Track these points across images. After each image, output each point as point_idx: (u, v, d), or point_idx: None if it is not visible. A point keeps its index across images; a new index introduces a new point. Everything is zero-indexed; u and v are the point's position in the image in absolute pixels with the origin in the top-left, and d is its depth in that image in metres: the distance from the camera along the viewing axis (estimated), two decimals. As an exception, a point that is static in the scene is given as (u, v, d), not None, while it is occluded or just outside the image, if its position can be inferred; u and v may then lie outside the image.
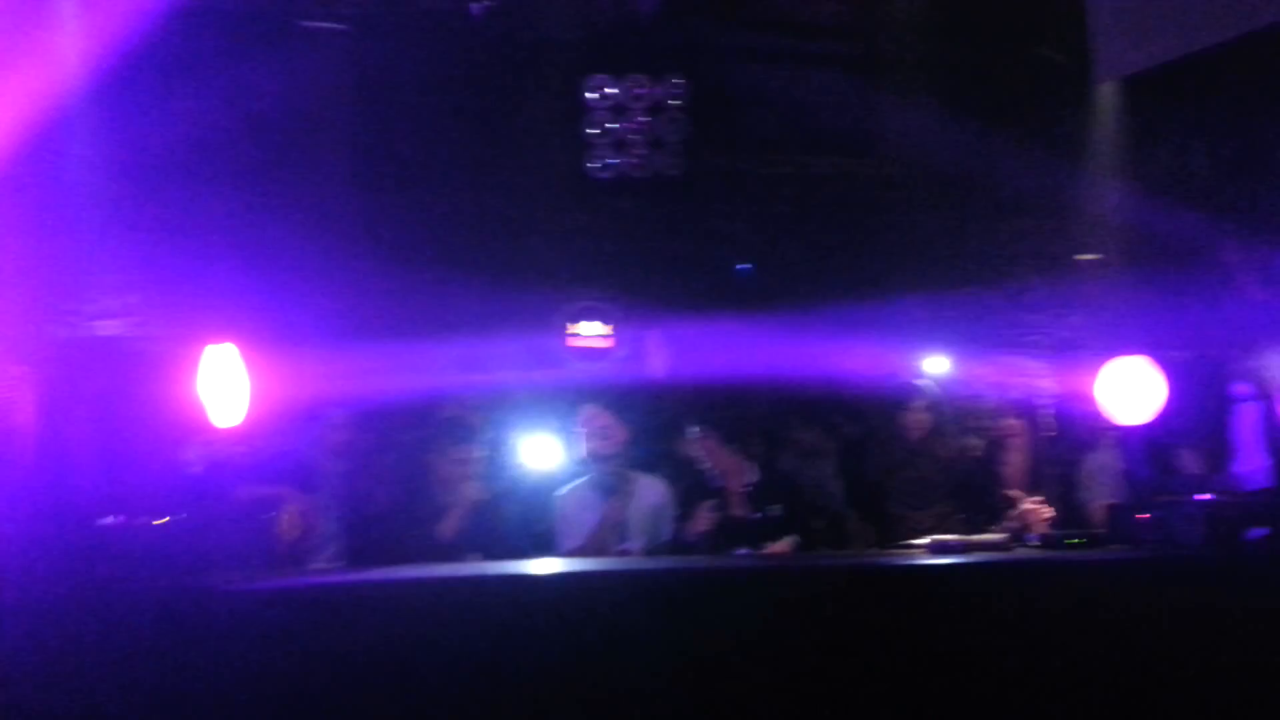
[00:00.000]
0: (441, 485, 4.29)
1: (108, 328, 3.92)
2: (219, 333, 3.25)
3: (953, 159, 6.93)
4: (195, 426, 3.17)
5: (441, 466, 4.31)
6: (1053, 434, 4.83)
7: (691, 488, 4.63)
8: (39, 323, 3.34)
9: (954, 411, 5.06)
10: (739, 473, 4.51)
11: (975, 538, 3.64)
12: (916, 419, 4.88)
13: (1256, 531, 3.17)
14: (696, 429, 4.56)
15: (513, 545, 4.30)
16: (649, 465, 4.72)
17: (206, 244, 5.10)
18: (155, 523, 3.00)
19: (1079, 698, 2.91)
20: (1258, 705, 2.90)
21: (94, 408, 2.88)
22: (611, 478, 4.38)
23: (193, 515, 3.27)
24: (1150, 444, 3.53)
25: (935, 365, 6.40)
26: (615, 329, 7.20)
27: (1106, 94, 7.18)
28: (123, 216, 4.54)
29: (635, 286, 6.95)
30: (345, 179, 6.31)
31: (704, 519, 4.30)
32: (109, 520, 2.87)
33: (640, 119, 7.32)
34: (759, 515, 4.34)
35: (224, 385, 3.16)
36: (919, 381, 5.32)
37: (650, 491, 4.50)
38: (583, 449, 4.46)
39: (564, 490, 4.50)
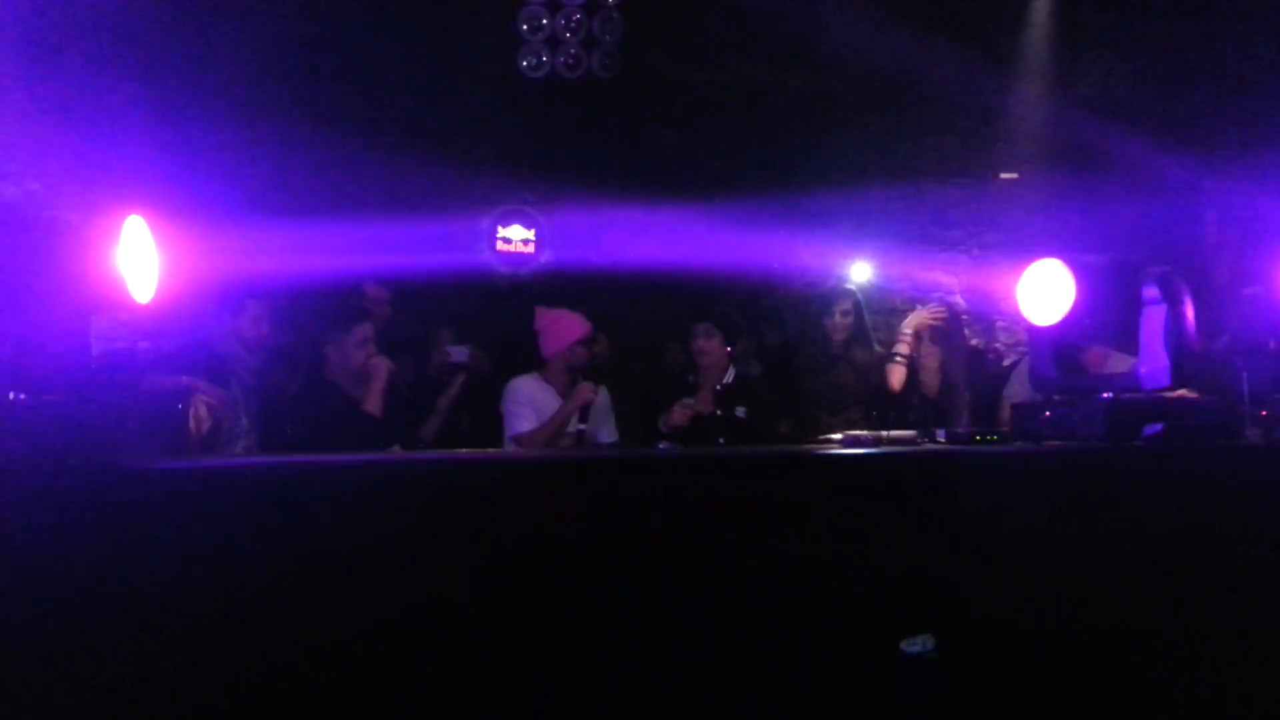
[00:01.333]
0: (347, 370, 4.25)
1: (15, 194, 3.76)
2: (131, 205, 3.14)
3: (888, 69, 6.94)
4: (105, 302, 3.07)
5: (344, 351, 4.25)
6: (972, 340, 4.96)
7: (661, 382, 4.72)
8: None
9: (874, 317, 5.16)
10: (721, 373, 4.57)
11: (885, 433, 3.74)
12: (839, 324, 4.97)
13: (1153, 427, 3.30)
14: (705, 325, 4.61)
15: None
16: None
17: (121, 114, 4.89)
18: (63, 403, 2.92)
19: (991, 583, 3.03)
20: (1150, 591, 3.06)
21: (1, 279, 2.76)
22: (584, 365, 4.52)
23: (101, 398, 3.19)
24: (1058, 345, 3.65)
25: (858, 271, 6.50)
26: (538, 234, 7.15)
27: (1040, 7, 7.25)
28: (34, 82, 4.33)
29: (563, 191, 6.88)
30: (266, 67, 6.09)
31: (680, 413, 4.38)
32: (13, 396, 2.78)
33: (575, 17, 7.17)
34: (722, 414, 4.43)
35: (136, 259, 3.05)
36: (843, 286, 5.40)
37: (594, 393, 4.58)
38: (560, 341, 4.48)
39: (515, 380, 4.56)
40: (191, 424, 3.74)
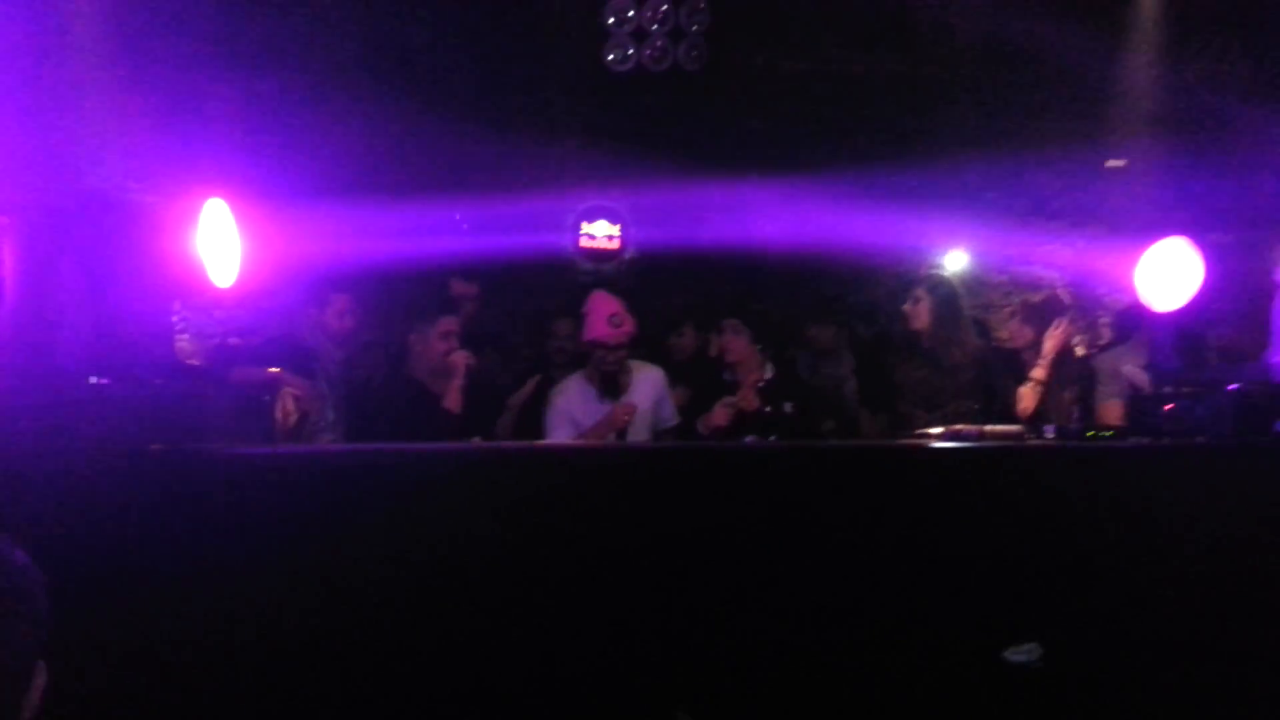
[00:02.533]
0: (428, 364, 4.17)
1: (99, 179, 3.80)
2: (212, 189, 3.13)
3: (984, 49, 6.66)
4: (189, 286, 3.07)
5: (425, 344, 4.17)
6: (1080, 329, 4.68)
7: (706, 381, 4.55)
8: (26, 175, 3.21)
9: (968, 305, 4.89)
10: (756, 368, 4.41)
11: (989, 428, 3.53)
12: (916, 310, 4.71)
13: (1287, 421, 3.04)
14: (730, 320, 4.41)
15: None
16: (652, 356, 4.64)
17: (205, 102, 4.94)
18: (146, 388, 2.91)
19: (1104, 587, 2.83)
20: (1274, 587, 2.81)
21: (83, 263, 2.77)
22: (613, 368, 4.29)
23: (185, 386, 3.19)
24: (1181, 332, 3.38)
25: (951, 259, 6.23)
26: (623, 229, 7.05)
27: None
28: (116, 69, 4.38)
29: (650, 185, 6.76)
30: (351, 57, 6.11)
31: (721, 414, 4.23)
32: (97, 380, 2.78)
33: (661, 8, 7.06)
34: (769, 410, 4.25)
35: (219, 243, 3.04)
36: (925, 273, 5.15)
37: (648, 382, 4.42)
38: (586, 334, 4.35)
39: (561, 384, 4.41)
40: (278, 415, 3.74)
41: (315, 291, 4.35)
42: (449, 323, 4.18)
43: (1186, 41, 6.57)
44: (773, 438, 4.01)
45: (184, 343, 3.64)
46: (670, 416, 4.50)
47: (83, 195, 3.13)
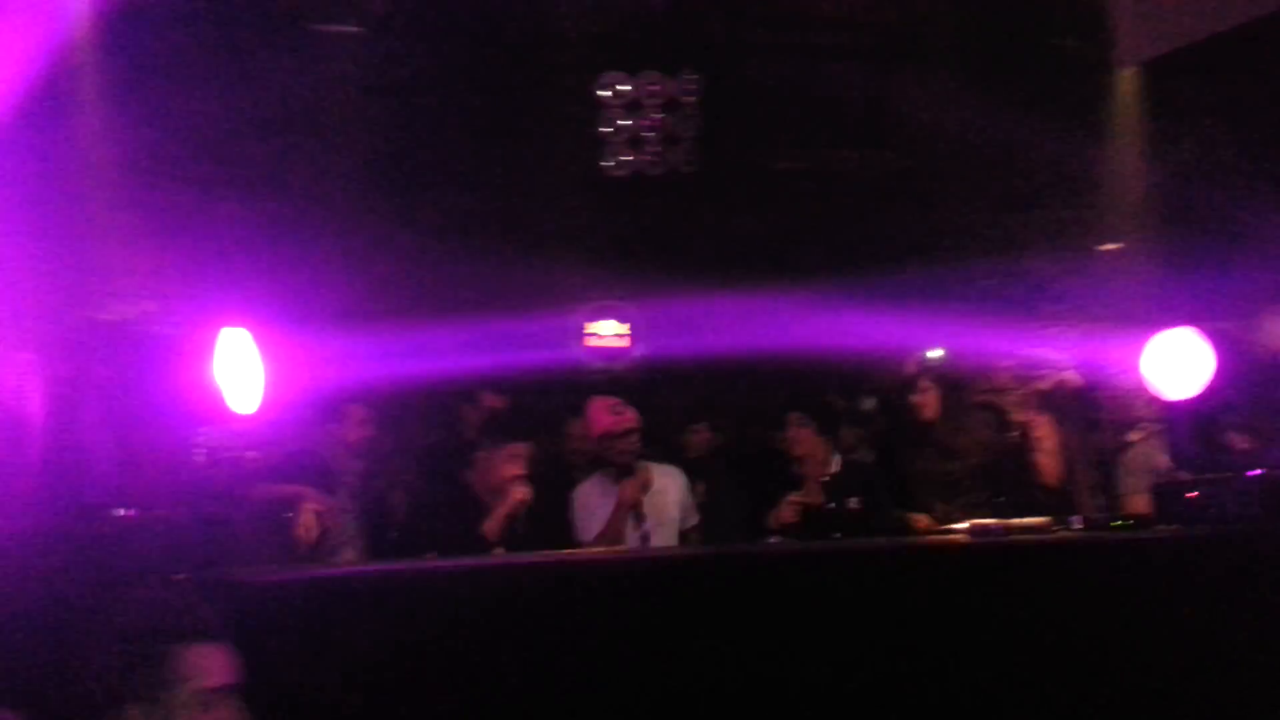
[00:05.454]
0: (487, 483, 4.09)
1: (119, 312, 3.84)
2: (233, 318, 3.17)
3: (973, 149, 6.82)
4: (210, 414, 3.08)
5: (491, 463, 4.11)
6: (1088, 417, 4.69)
7: (770, 476, 4.51)
8: (47, 308, 3.26)
9: (975, 394, 4.90)
10: (821, 462, 4.40)
11: (1015, 522, 3.51)
12: (924, 400, 4.72)
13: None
14: (795, 415, 4.41)
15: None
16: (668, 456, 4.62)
17: (220, 231, 5.03)
18: (166, 516, 2.91)
19: (1139, 676, 2.78)
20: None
21: (105, 395, 2.79)
22: (628, 455, 4.27)
23: (208, 511, 3.18)
24: (1197, 420, 3.40)
25: (952, 352, 6.25)
26: (631, 328, 7.12)
27: (1127, 79, 7.09)
28: (135, 201, 4.48)
29: (652, 285, 6.85)
30: (358, 175, 6.25)
31: (790, 509, 4.16)
32: (122, 512, 2.78)
33: (655, 115, 7.26)
34: (834, 506, 4.21)
35: (239, 371, 3.07)
36: (931, 364, 5.17)
37: (667, 480, 4.40)
38: (594, 433, 4.33)
39: (579, 487, 4.39)
40: (300, 531, 3.72)
41: (332, 406, 4.36)
42: (519, 449, 4.10)
43: (1170, 132, 6.74)
44: (837, 535, 3.94)
45: (200, 459, 3.64)
46: (691, 516, 4.45)
47: (102, 327, 3.17)
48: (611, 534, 4.18)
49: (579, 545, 4.20)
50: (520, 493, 4.01)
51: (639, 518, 4.24)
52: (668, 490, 4.37)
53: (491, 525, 3.99)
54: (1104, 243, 6.96)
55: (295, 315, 4.34)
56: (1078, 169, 6.83)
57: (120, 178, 4.45)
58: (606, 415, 4.28)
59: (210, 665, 1.84)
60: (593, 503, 4.28)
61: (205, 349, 3.00)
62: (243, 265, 4.63)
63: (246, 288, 4.39)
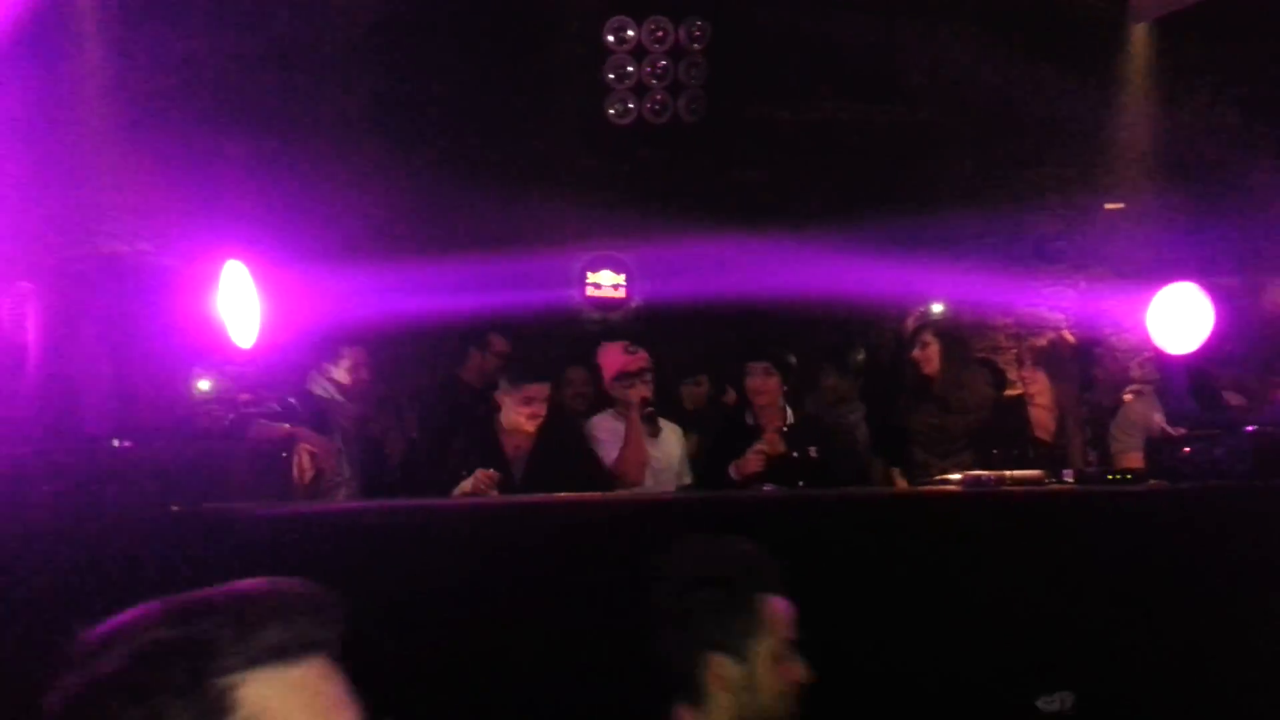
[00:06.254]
0: (507, 424, 4.06)
1: (117, 244, 3.82)
2: (232, 251, 3.15)
3: (980, 103, 6.76)
4: (210, 349, 3.08)
5: (508, 405, 4.07)
6: (1084, 374, 4.70)
7: (725, 426, 4.51)
8: (46, 239, 3.24)
9: (975, 349, 4.90)
10: (780, 414, 4.39)
11: (1009, 473, 3.53)
12: (926, 355, 4.71)
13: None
14: (760, 364, 4.39)
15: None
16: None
17: (220, 164, 4.99)
18: (167, 450, 2.91)
19: (1131, 631, 2.81)
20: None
21: (104, 326, 2.78)
22: (646, 392, 4.30)
23: (204, 447, 3.19)
24: (1193, 376, 3.41)
25: (953, 306, 6.24)
26: (629, 278, 7.09)
27: (1139, 35, 7.00)
28: (134, 134, 4.43)
29: (652, 234, 6.81)
30: (360, 112, 6.19)
31: (754, 460, 4.16)
32: (118, 443, 2.78)
33: (660, 62, 7.16)
34: (796, 456, 4.22)
35: (238, 305, 3.06)
36: (932, 318, 5.16)
37: (675, 436, 4.43)
38: (608, 375, 4.34)
39: (592, 421, 4.42)
40: (295, 472, 3.73)
41: (327, 347, 4.35)
42: (538, 389, 4.05)
43: (1179, 90, 6.68)
44: (800, 484, 3.97)
45: (199, 394, 3.65)
46: (685, 474, 4.47)
47: (102, 259, 3.15)
48: (633, 450, 4.18)
49: (599, 471, 4.18)
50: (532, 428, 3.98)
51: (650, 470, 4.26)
52: (669, 442, 4.39)
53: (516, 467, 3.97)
54: (1109, 199, 6.92)
55: (295, 251, 4.32)
56: (1085, 125, 6.77)
57: (119, 111, 4.40)
58: (620, 355, 4.30)
59: (787, 617, 1.87)
60: (606, 436, 4.32)
61: (206, 283, 2.99)
62: (244, 200, 4.60)
63: (247, 222, 4.37)
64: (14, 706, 2.38)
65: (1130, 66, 6.98)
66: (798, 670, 1.86)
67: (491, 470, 3.72)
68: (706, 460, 4.45)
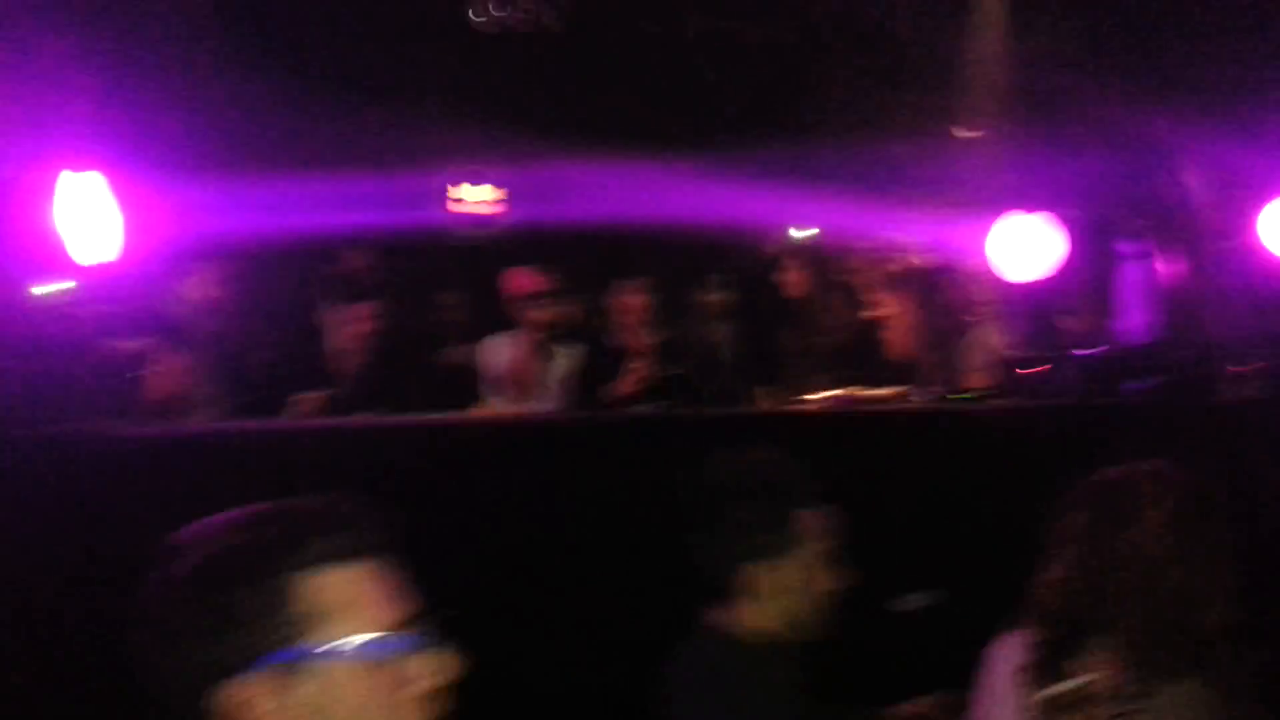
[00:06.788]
0: (334, 344, 4.03)
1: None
2: (73, 162, 2.95)
3: (845, 20, 6.85)
4: (51, 263, 2.90)
5: (337, 325, 4.03)
6: (936, 298, 4.93)
7: (592, 349, 4.53)
8: None
9: (834, 273, 5.08)
10: (648, 333, 4.43)
11: (867, 392, 3.71)
12: (791, 279, 4.87)
13: (1132, 383, 3.30)
14: (631, 282, 4.42)
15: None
16: None
17: (59, 70, 4.61)
18: (12, 370, 2.77)
19: (970, 539, 3.01)
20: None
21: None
22: (538, 326, 4.29)
23: (55, 365, 3.03)
24: (1033, 302, 3.63)
25: (813, 229, 6.42)
26: (497, 195, 6.98)
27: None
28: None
29: (519, 150, 6.70)
30: (218, 19, 5.81)
31: (632, 380, 4.19)
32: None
33: (527, -34, 6.97)
34: (666, 375, 4.29)
35: (87, 217, 2.88)
36: (798, 242, 5.31)
37: (564, 362, 4.39)
38: (514, 294, 4.29)
39: (486, 343, 4.38)
40: (150, 389, 3.60)
41: (176, 263, 4.16)
42: (364, 309, 4.01)
43: (1030, 21, 6.91)
44: (670, 403, 4.04)
45: (43, 310, 3.43)
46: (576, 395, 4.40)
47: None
48: (520, 369, 4.18)
49: (483, 391, 4.18)
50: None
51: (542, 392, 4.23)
52: (562, 366, 4.37)
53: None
54: (963, 128, 7.16)
55: (146, 164, 4.07)
56: (944, 52, 6.95)
57: None
58: (525, 277, 4.30)
59: (821, 528, 1.87)
60: (500, 355, 4.29)
61: (43, 194, 2.80)
62: (84, 110, 4.27)
63: (92, 133, 4.07)
64: None
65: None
66: (834, 578, 1.89)
67: (320, 393, 3.76)
68: (577, 382, 4.48)
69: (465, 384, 4.28)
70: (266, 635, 1.03)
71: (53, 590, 2.60)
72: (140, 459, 2.92)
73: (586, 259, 6.03)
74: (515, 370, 4.15)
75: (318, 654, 1.04)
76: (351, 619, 1.06)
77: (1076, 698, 1.79)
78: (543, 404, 4.20)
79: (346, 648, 1.05)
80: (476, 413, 4.08)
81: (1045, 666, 1.79)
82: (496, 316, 4.48)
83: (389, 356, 4.22)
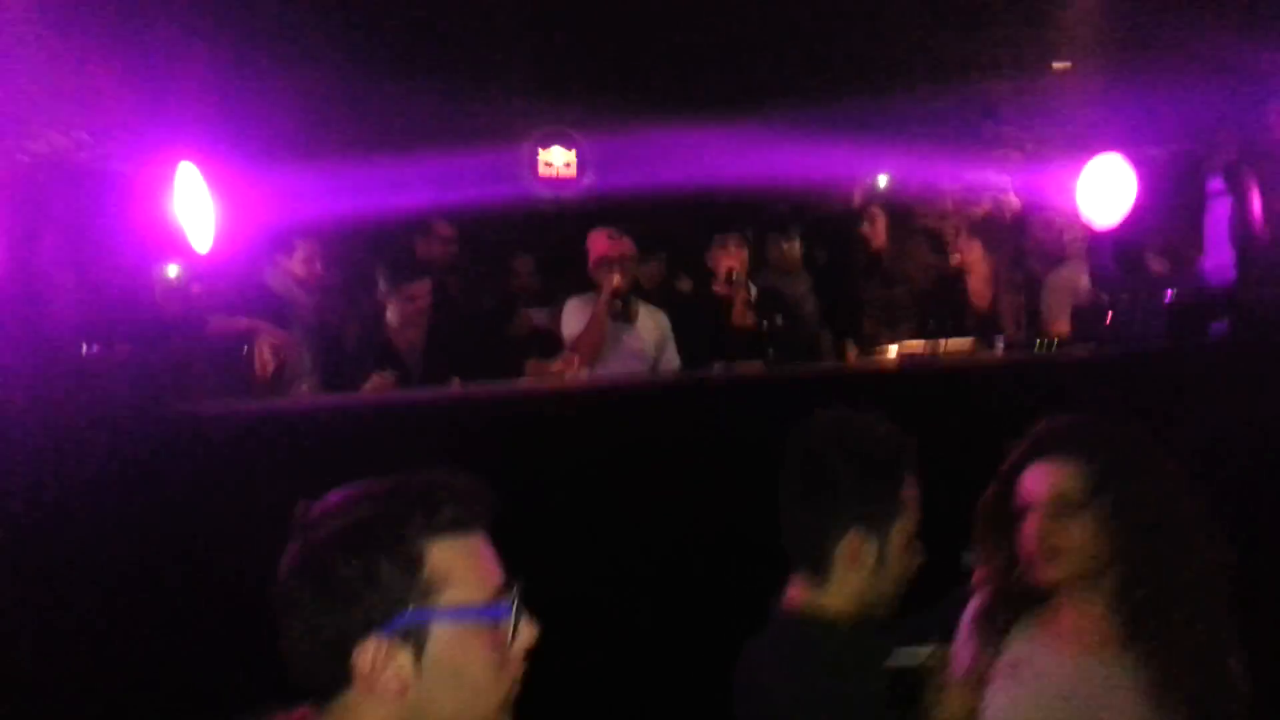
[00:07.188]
0: (392, 323, 4.22)
1: (69, 150, 3.77)
2: (182, 152, 3.15)
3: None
4: (168, 250, 3.12)
5: (391, 305, 4.20)
6: (1019, 244, 4.85)
7: (689, 303, 4.56)
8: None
9: (918, 223, 5.05)
10: (745, 285, 4.45)
11: (943, 342, 3.71)
12: (874, 228, 4.85)
13: (1219, 325, 3.24)
14: (732, 235, 4.42)
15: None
16: None
17: (167, 61, 4.86)
18: (129, 352, 2.99)
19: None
20: (1216, 492, 3.02)
21: (65, 236, 2.81)
22: (625, 283, 4.25)
23: (168, 346, 3.26)
24: (1120, 243, 3.57)
25: (898, 176, 6.33)
26: (580, 155, 7.07)
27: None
28: (78, 36, 4.30)
29: (599, 106, 6.75)
30: (303, 14, 6.00)
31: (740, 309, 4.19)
32: (86, 349, 2.86)
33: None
34: (764, 325, 4.32)
35: (193, 207, 3.09)
36: (879, 192, 5.26)
37: (653, 319, 4.40)
38: (593, 258, 4.31)
39: (569, 304, 4.40)
40: (257, 366, 3.81)
41: (280, 239, 4.38)
42: (419, 288, 4.16)
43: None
44: (770, 352, 4.09)
45: (159, 295, 3.67)
46: (672, 358, 4.43)
47: (61, 167, 3.14)
48: (589, 333, 4.19)
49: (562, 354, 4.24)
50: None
51: (619, 339, 4.26)
52: (647, 329, 4.37)
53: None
54: (1054, 63, 6.94)
55: (245, 152, 4.28)
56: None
57: (67, 17, 4.24)
58: (604, 240, 4.29)
59: (917, 501, 1.82)
60: (572, 318, 4.29)
61: (160, 186, 3.01)
62: (188, 100, 4.51)
63: (194, 123, 4.31)
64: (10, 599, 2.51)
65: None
66: (920, 554, 1.84)
67: (389, 373, 3.89)
68: (664, 342, 4.48)
69: (546, 347, 4.39)
70: (400, 598, 1.13)
71: (186, 560, 2.77)
72: (267, 434, 3.08)
73: (667, 218, 6.10)
74: (592, 333, 4.19)
75: (445, 615, 1.14)
76: (468, 584, 1.16)
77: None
78: (623, 367, 4.24)
79: (468, 610, 1.15)
80: (546, 376, 4.17)
81: (988, 619, 1.84)
82: (577, 280, 4.56)
83: (454, 330, 4.35)
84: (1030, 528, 1.78)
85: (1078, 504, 1.76)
